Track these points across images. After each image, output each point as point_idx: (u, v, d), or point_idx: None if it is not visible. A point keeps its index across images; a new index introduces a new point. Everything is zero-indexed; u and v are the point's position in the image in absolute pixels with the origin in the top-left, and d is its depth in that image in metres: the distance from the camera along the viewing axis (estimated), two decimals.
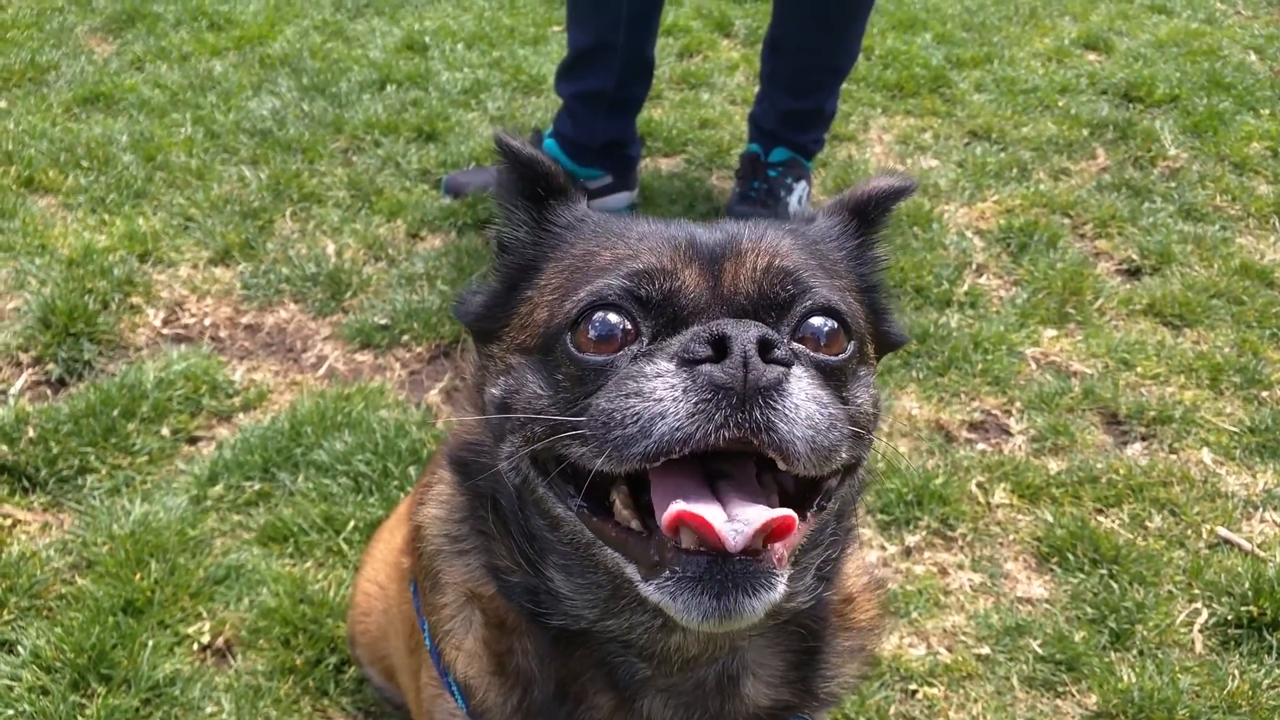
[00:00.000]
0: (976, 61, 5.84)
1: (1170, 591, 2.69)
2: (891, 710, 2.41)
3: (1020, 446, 3.19)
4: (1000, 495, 2.98)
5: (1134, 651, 2.54)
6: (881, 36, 6.11)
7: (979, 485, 3.02)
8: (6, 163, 4.43)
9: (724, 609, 1.05)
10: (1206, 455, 3.16)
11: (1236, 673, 2.47)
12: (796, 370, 1.09)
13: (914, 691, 2.46)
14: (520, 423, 1.23)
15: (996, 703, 2.43)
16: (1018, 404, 3.34)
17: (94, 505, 2.82)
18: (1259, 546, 2.83)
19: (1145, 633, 2.57)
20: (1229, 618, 2.61)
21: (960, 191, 4.58)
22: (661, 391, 1.07)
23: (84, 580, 2.60)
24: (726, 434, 1.04)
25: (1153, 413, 3.28)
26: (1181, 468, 3.09)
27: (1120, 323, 3.77)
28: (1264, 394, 3.39)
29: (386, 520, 2.39)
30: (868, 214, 1.47)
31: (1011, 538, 2.88)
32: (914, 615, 2.64)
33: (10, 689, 2.33)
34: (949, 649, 2.57)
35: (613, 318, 1.19)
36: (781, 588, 1.08)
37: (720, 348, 1.07)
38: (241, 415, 3.21)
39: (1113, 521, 2.92)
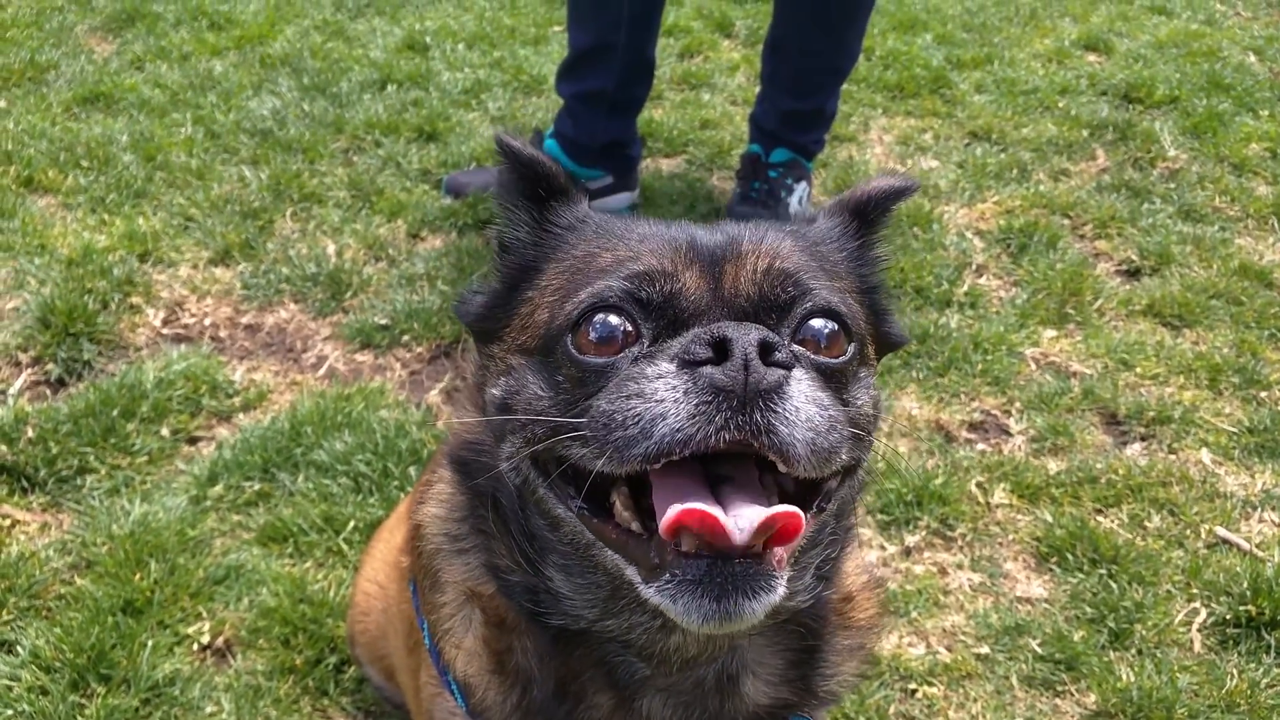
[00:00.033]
0: (977, 62, 5.84)
1: (1169, 591, 2.69)
2: (891, 710, 2.42)
3: (1020, 447, 3.19)
4: (1000, 495, 2.99)
5: (1133, 651, 2.54)
6: (882, 37, 6.11)
7: (978, 485, 3.02)
8: (6, 162, 4.43)
9: (724, 611, 1.05)
10: (1205, 455, 3.16)
11: (1235, 672, 2.48)
12: (797, 373, 1.09)
13: (913, 691, 2.47)
14: (521, 423, 1.24)
15: (996, 702, 2.44)
16: (1017, 404, 3.34)
17: (93, 505, 2.82)
18: (1257, 546, 2.84)
19: (1144, 632, 2.57)
20: (1227, 617, 2.62)
21: (960, 192, 4.58)
22: (662, 393, 1.07)
23: (83, 580, 2.60)
24: (727, 436, 1.05)
25: (1152, 413, 3.28)
26: (1180, 468, 3.09)
27: (1120, 323, 3.77)
28: (1263, 394, 3.39)
29: (386, 520, 2.39)
30: (868, 214, 1.47)
31: (1011, 538, 2.88)
32: (913, 615, 2.64)
33: (10, 689, 2.33)
34: (948, 648, 2.57)
35: (613, 319, 1.19)
36: (781, 590, 1.08)
37: (721, 350, 1.07)
38: (241, 415, 3.21)
39: (1112, 521, 2.92)
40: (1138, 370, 3.49)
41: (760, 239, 1.28)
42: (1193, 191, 4.60)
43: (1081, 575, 2.74)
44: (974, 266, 4.06)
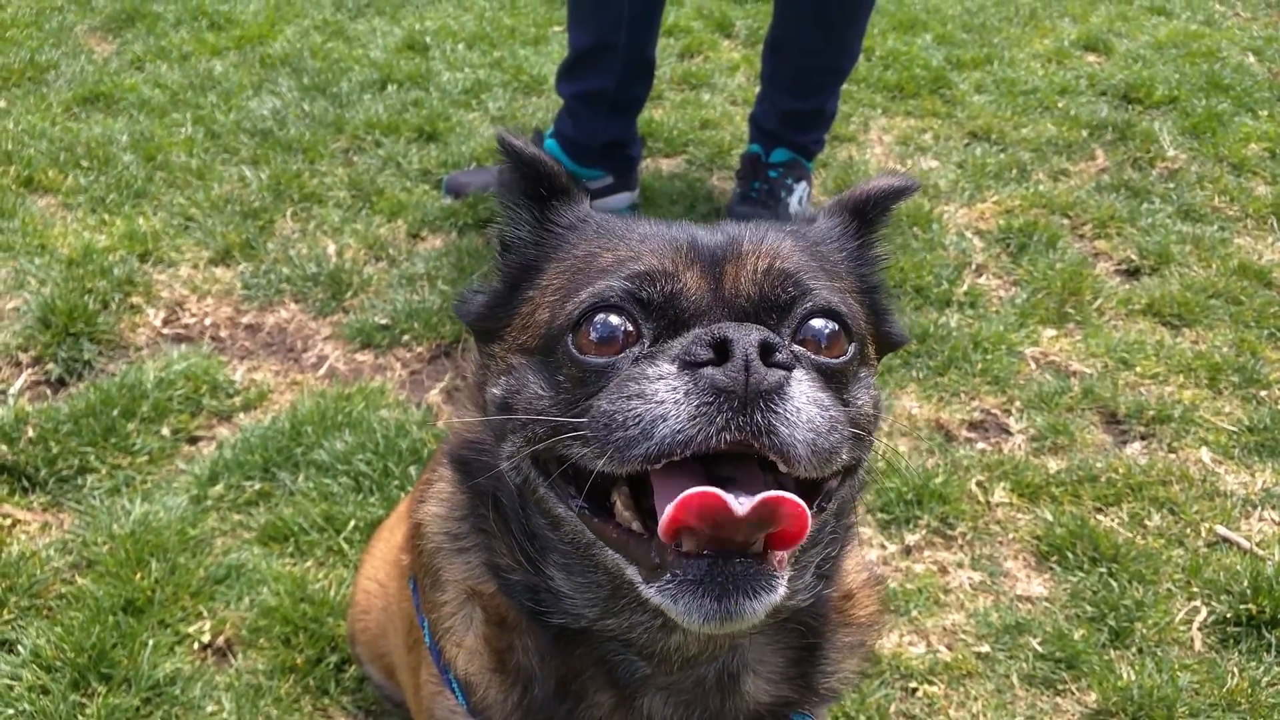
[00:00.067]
0: (976, 63, 5.84)
1: (1169, 590, 2.70)
2: (892, 708, 2.42)
3: (1020, 446, 3.20)
4: (1000, 494, 2.99)
5: (1133, 649, 2.55)
6: (882, 37, 6.11)
7: (979, 484, 3.02)
8: (6, 162, 4.43)
9: (725, 611, 1.06)
10: (1205, 454, 3.16)
11: (1236, 670, 2.48)
12: (797, 374, 1.09)
13: (914, 690, 2.47)
14: (522, 423, 1.24)
15: (996, 701, 2.44)
16: (1017, 403, 3.34)
17: (94, 505, 2.82)
18: (1258, 545, 2.84)
19: (1145, 631, 2.57)
20: (1228, 616, 2.62)
21: (960, 192, 4.59)
22: (663, 394, 1.07)
23: (84, 580, 2.60)
24: (728, 437, 1.05)
25: (1152, 412, 3.29)
26: (1180, 467, 3.10)
27: (1119, 322, 3.77)
28: (1262, 393, 3.39)
29: (387, 519, 2.39)
30: (868, 214, 1.47)
31: (1011, 536, 2.88)
32: (914, 613, 2.64)
33: (10, 688, 2.33)
34: (949, 647, 2.57)
35: (614, 320, 1.19)
36: (782, 589, 1.08)
37: (722, 351, 1.07)
38: (242, 415, 3.21)
39: (1112, 520, 2.92)
40: (1137, 369, 3.50)
41: (761, 239, 1.28)
42: (1192, 191, 4.60)
43: (1082, 574, 2.74)
44: (974, 266, 4.06)
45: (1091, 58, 6.08)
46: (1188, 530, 2.89)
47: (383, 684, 2.28)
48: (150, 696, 2.35)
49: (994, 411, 3.33)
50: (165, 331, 3.57)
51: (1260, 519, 2.95)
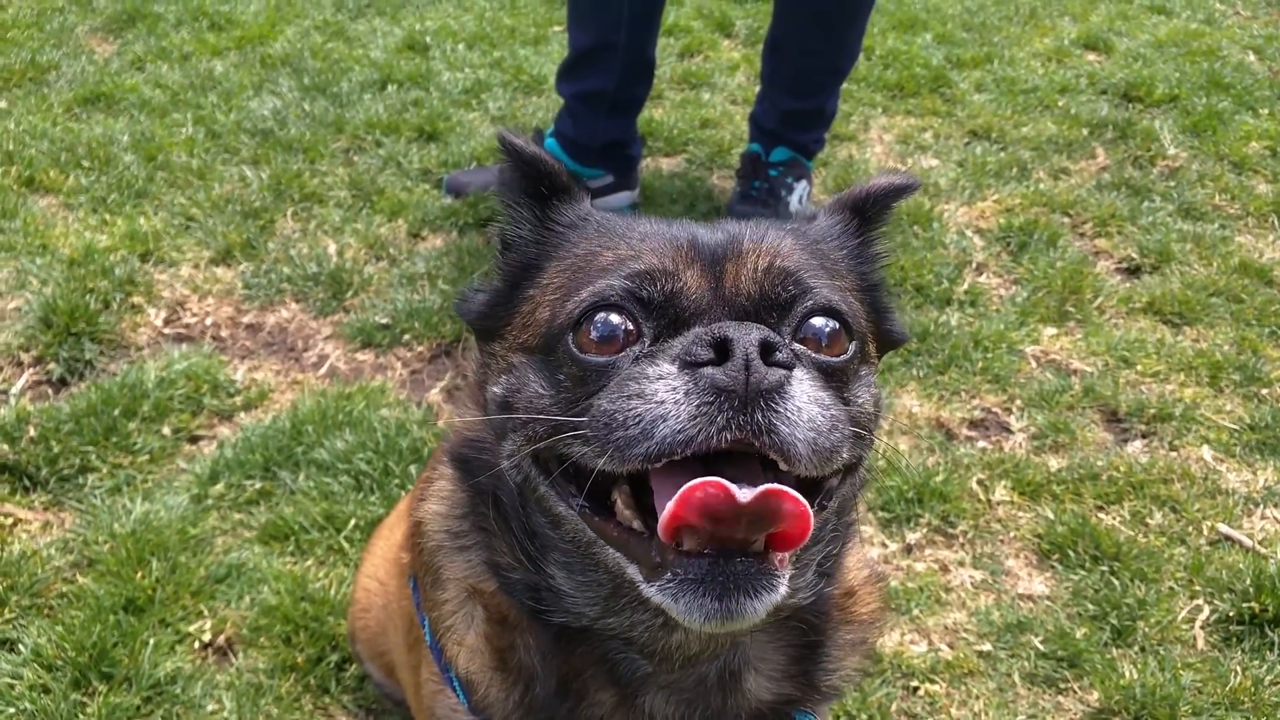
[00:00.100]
0: (977, 61, 5.84)
1: (1171, 588, 2.69)
2: (893, 707, 2.42)
3: (1021, 444, 3.19)
4: (1001, 492, 2.99)
5: (1135, 648, 2.54)
6: (882, 36, 6.11)
7: (979, 482, 3.02)
8: (7, 163, 4.43)
9: (726, 610, 1.05)
10: (1207, 452, 3.16)
11: (1238, 669, 2.48)
12: (798, 373, 1.09)
13: (915, 688, 2.47)
14: (522, 422, 1.24)
15: (998, 699, 2.44)
16: (1018, 402, 3.34)
17: (95, 504, 2.82)
18: (1260, 543, 2.84)
19: (1147, 629, 2.57)
20: (1230, 614, 2.61)
21: (960, 191, 4.58)
22: (664, 394, 1.07)
23: (85, 579, 2.60)
24: (729, 436, 1.04)
25: (1153, 410, 3.28)
26: (1182, 465, 3.10)
27: (1120, 321, 3.77)
28: (1264, 391, 3.39)
29: (387, 517, 2.39)
30: (868, 212, 1.47)
31: (1012, 535, 2.88)
32: (915, 612, 2.64)
33: (11, 687, 2.33)
34: (950, 646, 2.57)
35: (615, 318, 1.19)
36: (783, 589, 1.08)
37: (722, 350, 1.07)
38: (243, 414, 3.21)
39: (1113, 518, 2.92)
40: (1138, 368, 3.50)
41: (761, 238, 1.28)
42: (1192, 189, 4.60)
43: (1083, 572, 2.74)
44: (974, 264, 4.06)
45: (1092, 56, 6.07)
46: (1190, 528, 2.89)
47: (383, 682, 2.28)
48: (151, 695, 2.35)
49: (995, 410, 3.33)
50: (166, 331, 3.58)
51: (1262, 517, 2.95)
